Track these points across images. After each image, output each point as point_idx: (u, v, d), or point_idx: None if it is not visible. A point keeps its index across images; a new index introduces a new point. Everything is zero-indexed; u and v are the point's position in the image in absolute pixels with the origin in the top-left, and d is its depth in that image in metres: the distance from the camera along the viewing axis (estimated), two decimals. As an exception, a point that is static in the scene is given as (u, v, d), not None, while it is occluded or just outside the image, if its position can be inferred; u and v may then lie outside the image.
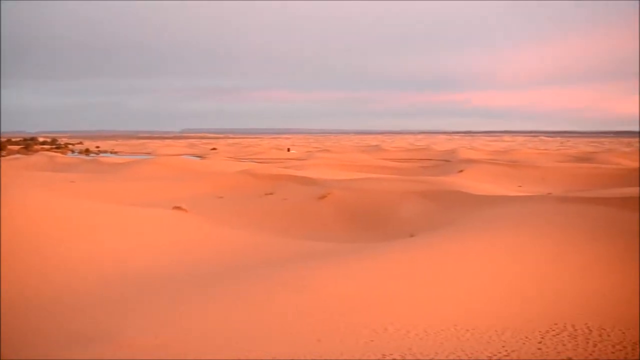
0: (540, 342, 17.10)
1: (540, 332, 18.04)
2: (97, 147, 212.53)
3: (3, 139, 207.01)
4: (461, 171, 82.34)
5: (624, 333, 18.09)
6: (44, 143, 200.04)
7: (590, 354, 16.12)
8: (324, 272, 23.73)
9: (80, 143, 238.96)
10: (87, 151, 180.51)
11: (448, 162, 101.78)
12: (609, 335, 17.84)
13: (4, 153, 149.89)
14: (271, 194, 54.23)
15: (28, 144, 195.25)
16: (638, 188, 51.29)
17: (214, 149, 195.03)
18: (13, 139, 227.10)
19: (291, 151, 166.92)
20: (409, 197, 47.03)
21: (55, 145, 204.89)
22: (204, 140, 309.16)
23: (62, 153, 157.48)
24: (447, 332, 17.75)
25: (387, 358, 15.37)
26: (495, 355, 15.83)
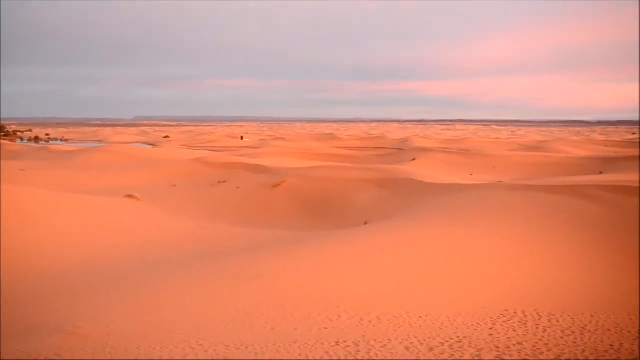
0: (491, 328, 17.35)
1: (491, 318, 18.31)
2: (47, 134, 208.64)
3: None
4: (414, 159, 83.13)
5: (572, 319, 18.45)
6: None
7: (540, 339, 16.40)
8: (278, 261, 23.73)
9: (30, 130, 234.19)
10: (36, 139, 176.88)
11: (401, 151, 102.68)
12: (558, 321, 18.18)
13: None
14: (224, 182, 53.93)
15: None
16: (585, 176, 52.34)
17: (166, 137, 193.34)
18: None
19: (245, 139, 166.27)
20: (363, 185, 47.21)
21: (3, 132, 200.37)
22: (156, 128, 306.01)
23: (11, 141, 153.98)
24: (400, 319, 17.90)
25: (341, 345, 15.44)
26: (447, 341, 16.01)
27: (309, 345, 15.33)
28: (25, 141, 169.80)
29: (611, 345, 16.06)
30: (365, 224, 35.85)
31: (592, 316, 18.69)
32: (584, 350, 15.52)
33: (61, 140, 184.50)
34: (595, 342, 16.31)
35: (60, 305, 19.21)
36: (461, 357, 14.73)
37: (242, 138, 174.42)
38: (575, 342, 16.24)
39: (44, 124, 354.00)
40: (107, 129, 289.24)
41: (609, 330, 17.43)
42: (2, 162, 76.19)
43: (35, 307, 19.24)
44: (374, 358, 14.42)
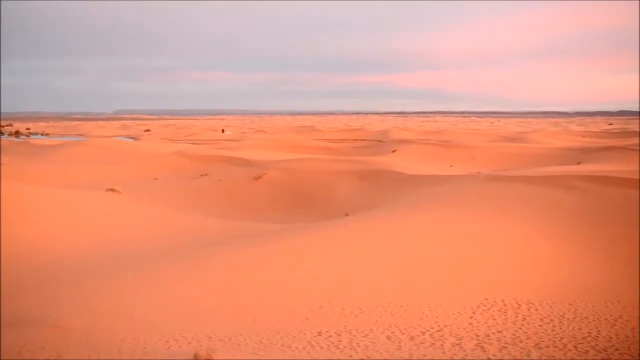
0: (471, 317, 17.51)
1: (471, 307, 18.48)
2: (28, 129, 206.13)
3: None
4: (394, 151, 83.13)
5: (551, 307, 18.67)
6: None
7: (520, 328, 16.60)
8: (260, 253, 23.72)
9: (10, 125, 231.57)
10: (17, 133, 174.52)
11: (381, 143, 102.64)
12: (537, 309, 18.39)
13: None
14: (206, 175, 53.83)
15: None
16: (563, 166, 52.75)
17: (147, 130, 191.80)
18: None
19: (226, 132, 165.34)
20: (344, 177, 47.32)
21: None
22: (137, 122, 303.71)
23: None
24: (381, 309, 18.01)
25: (324, 335, 15.53)
26: (428, 330, 16.15)
27: (291, 335, 15.41)
28: (6, 135, 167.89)
29: (589, 332, 16.28)
30: (346, 215, 35.94)
31: (570, 304, 18.91)
32: (562, 338, 15.72)
33: (42, 134, 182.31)
34: (573, 329, 16.52)
35: (42, 298, 19.11)
36: (442, 345, 14.87)
37: (223, 131, 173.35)
38: (554, 330, 16.44)
39: (24, 118, 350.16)
40: (88, 122, 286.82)
41: (586, 318, 17.65)
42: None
43: (17, 301, 19.12)
44: (356, 348, 14.52)
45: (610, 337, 15.83)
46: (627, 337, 15.90)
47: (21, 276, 22.25)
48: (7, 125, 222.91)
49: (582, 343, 15.32)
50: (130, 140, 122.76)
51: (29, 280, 21.77)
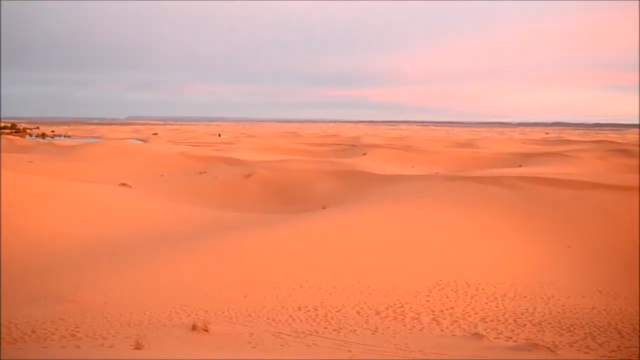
0: (428, 295, 17.57)
1: (428, 287, 18.54)
2: (52, 131, 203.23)
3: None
4: (365, 154, 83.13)
5: (495, 287, 18.78)
6: (4, 128, 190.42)
7: (469, 304, 16.68)
8: (250, 239, 23.72)
9: (37, 128, 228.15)
10: (43, 135, 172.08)
11: (354, 147, 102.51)
12: (483, 289, 18.49)
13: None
14: (204, 172, 53.64)
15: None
16: (507, 168, 53.09)
17: (155, 134, 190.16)
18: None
19: (222, 136, 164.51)
20: (322, 175, 47.37)
21: (14, 129, 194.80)
22: (147, 126, 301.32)
23: (21, 137, 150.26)
24: (352, 288, 18.03)
25: (303, 310, 15.53)
26: (391, 306, 16.18)
27: (275, 310, 15.39)
28: (34, 137, 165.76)
29: (527, 309, 16.40)
30: (324, 208, 35.98)
31: (511, 285, 19.05)
32: (504, 314, 15.82)
33: (65, 136, 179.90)
34: (513, 306, 16.64)
35: (63, 277, 18.99)
36: (403, 319, 14.90)
37: (219, 135, 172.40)
38: (497, 307, 16.55)
39: (49, 122, 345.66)
40: (104, 126, 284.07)
41: (525, 296, 17.79)
42: (13, 155, 74.71)
43: (41, 279, 18.99)
44: (330, 320, 14.52)
45: (544, 313, 15.95)
46: (559, 313, 16.04)
47: (45, 258, 22.06)
48: (34, 129, 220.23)
49: (520, 318, 15.42)
50: (140, 142, 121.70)
51: (51, 261, 21.60)
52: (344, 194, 40.86)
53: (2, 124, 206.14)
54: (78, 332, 12.91)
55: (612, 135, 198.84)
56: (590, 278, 20.61)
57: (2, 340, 12.42)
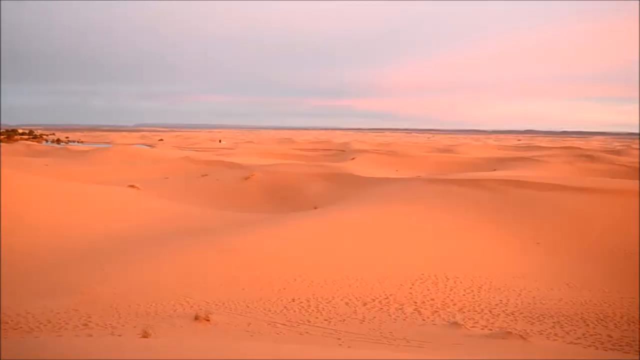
0: (411, 288, 17.64)
1: (411, 280, 18.61)
2: (67, 137, 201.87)
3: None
4: (353, 159, 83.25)
5: (472, 280, 18.86)
6: (22, 134, 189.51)
7: (448, 296, 16.76)
8: (248, 236, 23.72)
9: (53, 134, 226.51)
10: (58, 141, 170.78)
11: (343, 152, 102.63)
12: (461, 282, 18.57)
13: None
14: (206, 175, 53.58)
15: (9, 135, 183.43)
16: (483, 172, 53.33)
17: (161, 139, 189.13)
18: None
19: (222, 142, 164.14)
20: (314, 178, 47.46)
21: (32, 135, 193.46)
22: (153, 133, 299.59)
23: (38, 142, 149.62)
24: (341, 282, 18.08)
25: (296, 301, 15.57)
26: (377, 297, 16.24)
27: (271, 301, 15.43)
28: (50, 142, 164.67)
29: (501, 300, 16.50)
30: (315, 208, 36.06)
31: (486, 278, 19.15)
32: (480, 304, 15.92)
33: (78, 141, 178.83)
34: (488, 298, 16.74)
35: (75, 271, 18.93)
36: (387, 310, 14.98)
37: (220, 141, 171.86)
38: (474, 298, 16.64)
39: (63, 129, 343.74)
40: (114, 133, 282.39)
41: (499, 289, 17.89)
42: (30, 159, 74.38)
43: (55, 273, 18.92)
44: (321, 311, 14.58)
45: (517, 304, 16.06)
46: (529, 303, 16.15)
47: (58, 253, 21.97)
48: (50, 135, 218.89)
49: (495, 308, 15.52)
50: (147, 147, 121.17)
51: (64, 256, 21.52)
52: (335, 195, 40.97)
53: (21, 131, 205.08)
54: (90, 322, 12.91)
55: (578, 142, 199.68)
56: (558, 272, 20.75)
57: (20, 329, 12.41)
